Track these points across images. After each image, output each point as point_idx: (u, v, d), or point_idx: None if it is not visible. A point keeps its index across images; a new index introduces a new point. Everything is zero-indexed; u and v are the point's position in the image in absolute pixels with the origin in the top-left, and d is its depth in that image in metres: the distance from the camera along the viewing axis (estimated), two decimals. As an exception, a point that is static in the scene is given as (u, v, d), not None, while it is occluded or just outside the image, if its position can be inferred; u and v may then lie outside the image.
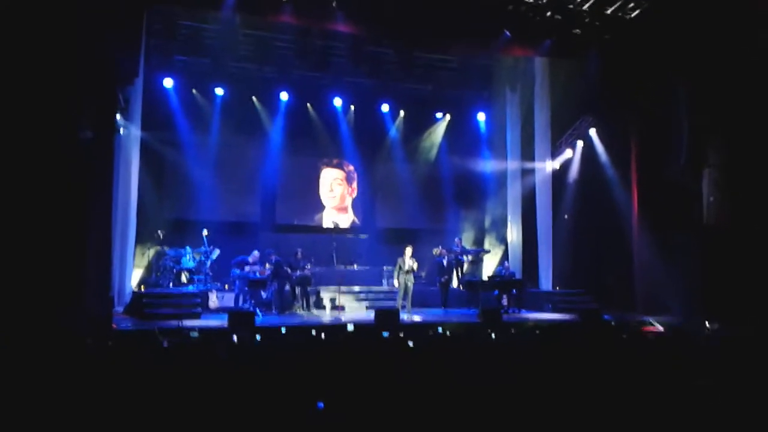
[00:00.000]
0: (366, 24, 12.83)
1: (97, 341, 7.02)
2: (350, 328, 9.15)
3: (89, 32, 9.58)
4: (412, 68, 15.69)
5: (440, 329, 9.59)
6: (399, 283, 13.26)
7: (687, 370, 5.70)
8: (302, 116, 16.69)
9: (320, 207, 17.55)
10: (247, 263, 13.20)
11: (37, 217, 9.04)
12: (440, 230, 17.37)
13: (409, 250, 13.31)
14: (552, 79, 15.49)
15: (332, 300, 14.03)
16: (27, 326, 8.07)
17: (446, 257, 14.67)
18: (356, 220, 17.86)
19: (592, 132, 16.12)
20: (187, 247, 14.45)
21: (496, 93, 17.18)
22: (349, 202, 17.88)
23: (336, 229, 17.41)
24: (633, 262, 14.55)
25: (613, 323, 10.64)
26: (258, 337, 7.90)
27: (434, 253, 14.66)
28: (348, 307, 14.08)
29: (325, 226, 17.36)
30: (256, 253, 13.49)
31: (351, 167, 17.84)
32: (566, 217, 16.28)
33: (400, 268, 13.23)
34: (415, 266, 13.27)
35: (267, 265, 13.34)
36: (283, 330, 9.34)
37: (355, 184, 17.93)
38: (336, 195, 17.69)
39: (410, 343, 6.90)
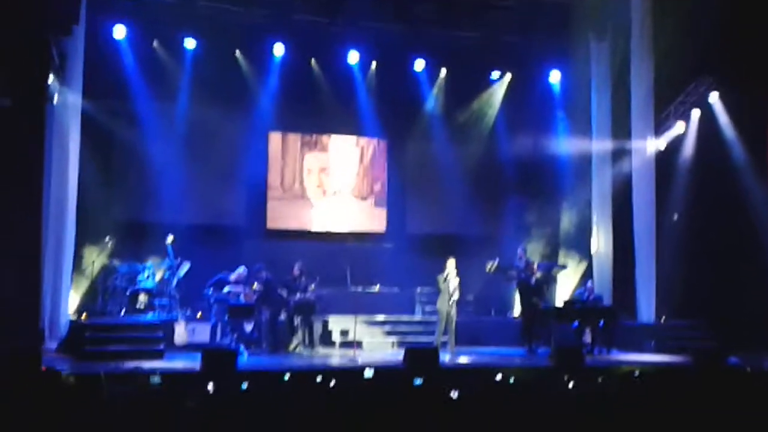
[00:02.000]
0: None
1: (20, 389, 7.10)
2: (368, 373, 9.16)
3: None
4: (457, 9, 15.64)
5: (500, 376, 9.56)
6: (440, 310, 13.26)
7: None
8: (304, 78, 16.75)
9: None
10: (227, 283, 13.27)
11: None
12: (495, 237, 17.36)
13: (451, 264, 13.26)
14: (656, 24, 15.38)
15: (343, 333, 14.06)
16: None
17: (535, 274, 14.53)
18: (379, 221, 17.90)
19: (714, 98, 15.97)
20: (147, 262, 14.58)
21: (576, 44, 17.07)
22: (365, 188, 17.92)
23: (351, 236, 17.46)
24: (772, 282, 14.37)
25: (744, 369, 10.50)
26: (244, 385, 7.93)
27: (488, 269, 14.54)
28: (367, 343, 14.11)
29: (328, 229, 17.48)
30: (241, 270, 13.54)
31: (361, 141, 17.90)
32: (676, 218, 16.14)
33: (440, 289, 13.23)
34: (456, 295, 13.23)
35: (255, 286, 13.40)
36: (287, 377, 9.38)
37: (370, 159, 17.97)
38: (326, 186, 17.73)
39: (454, 395, 6.88)
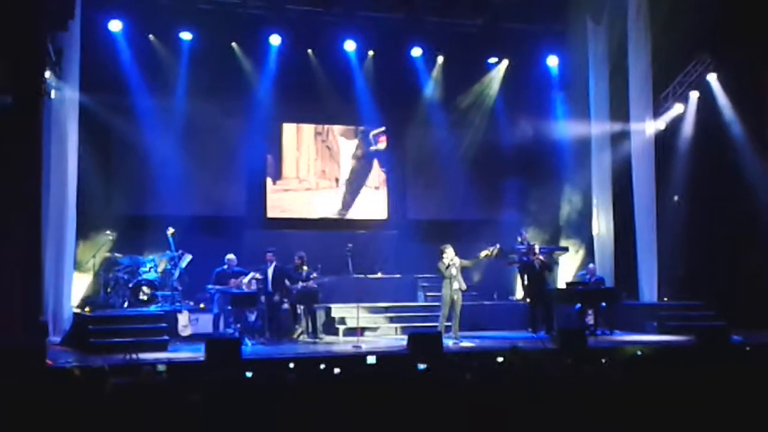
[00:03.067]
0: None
1: (25, 384, 7.09)
2: (371, 360, 9.17)
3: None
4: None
5: (501, 359, 9.55)
6: (444, 295, 13.25)
7: None
8: (302, 68, 16.72)
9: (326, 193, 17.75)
10: (225, 274, 13.34)
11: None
12: (495, 222, 17.31)
13: (449, 252, 13.15)
14: (653, 6, 15.35)
15: (343, 321, 14.15)
16: None
17: (536, 257, 14.69)
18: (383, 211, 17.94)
19: (712, 78, 15.93)
20: (149, 255, 14.66)
21: (573, 28, 17.01)
22: (376, 177, 18.06)
23: (353, 223, 17.49)
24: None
25: (746, 347, 10.49)
26: (248, 374, 7.95)
27: (482, 255, 14.23)
28: (371, 330, 14.22)
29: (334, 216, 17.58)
30: (230, 257, 13.61)
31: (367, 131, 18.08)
32: (676, 199, 16.13)
33: (443, 276, 13.21)
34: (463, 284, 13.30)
35: (257, 276, 13.43)
36: (291, 365, 9.41)
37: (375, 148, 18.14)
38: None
39: (458, 379, 6.87)
